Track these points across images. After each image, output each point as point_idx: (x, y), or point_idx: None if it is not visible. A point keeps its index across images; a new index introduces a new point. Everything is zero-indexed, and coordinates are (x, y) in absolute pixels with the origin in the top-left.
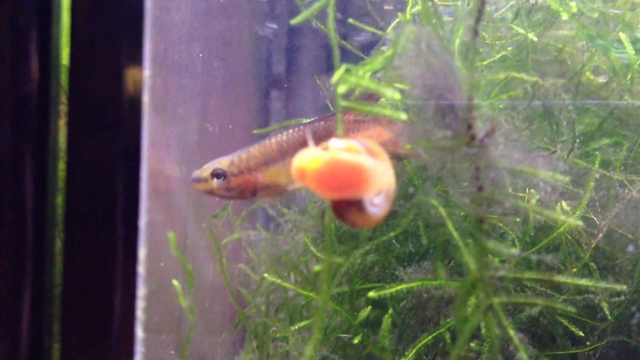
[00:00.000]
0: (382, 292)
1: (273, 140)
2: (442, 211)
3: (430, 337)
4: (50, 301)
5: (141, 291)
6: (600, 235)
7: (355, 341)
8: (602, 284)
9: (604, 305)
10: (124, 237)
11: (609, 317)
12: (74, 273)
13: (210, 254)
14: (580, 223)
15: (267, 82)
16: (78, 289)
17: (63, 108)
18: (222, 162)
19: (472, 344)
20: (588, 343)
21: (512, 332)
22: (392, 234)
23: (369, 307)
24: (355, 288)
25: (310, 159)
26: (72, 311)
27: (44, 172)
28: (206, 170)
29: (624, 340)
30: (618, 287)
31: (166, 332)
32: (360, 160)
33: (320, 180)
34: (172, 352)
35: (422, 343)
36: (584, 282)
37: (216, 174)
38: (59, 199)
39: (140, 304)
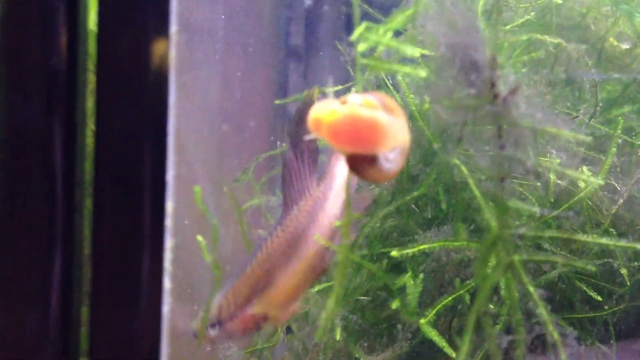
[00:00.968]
0: (404, 252)
1: (253, 263)
2: (463, 169)
3: (450, 298)
4: (80, 262)
5: (169, 243)
6: (621, 200)
7: (394, 306)
8: (623, 243)
9: (623, 270)
10: (151, 191)
11: (628, 282)
12: (104, 229)
13: (231, 218)
14: (602, 182)
15: (286, 49)
16: (108, 245)
17: (91, 75)
18: (212, 310)
19: (491, 306)
20: (606, 308)
21: (531, 289)
22: (414, 193)
23: (405, 274)
24: (374, 252)
25: (327, 112)
26: (102, 265)
27: (73, 134)
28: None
29: None
30: (639, 246)
31: (190, 287)
32: (377, 116)
33: (336, 133)
34: (195, 307)
35: (442, 303)
36: (604, 241)
37: (211, 325)
38: (88, 164)
39: (167, 256)
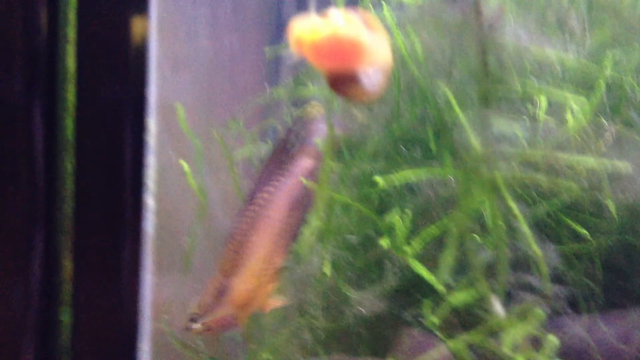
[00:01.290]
0: (389, 179)
1: (218, 267)
2: (448, 92)
3: (435, 230)
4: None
5: (149, 161)
6: (610, 136)
7: (382, 243)
8: (606, 164)
9: (610, 203)
10: (133, 171)
11: (615, 216)
12: (85, 205)
13: (220, 169)
14: (586, 103)
15: (278, 21)
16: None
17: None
18: (194, 306)
19: (476, 236)
20: (594, 242)
21: (513, 205)
22: (401, 125)
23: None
24: (362, 193)
25: (309, 30)
26: (84, 244)
27: (53, 103)
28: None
29: (630, 241)
30: (622, 165)
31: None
32: (359, 34)
33: (318, 51)
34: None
35: (428, 233)
36: (589, 161)
37: (192, 319)
38: (69, 124)
39: (150, 174)
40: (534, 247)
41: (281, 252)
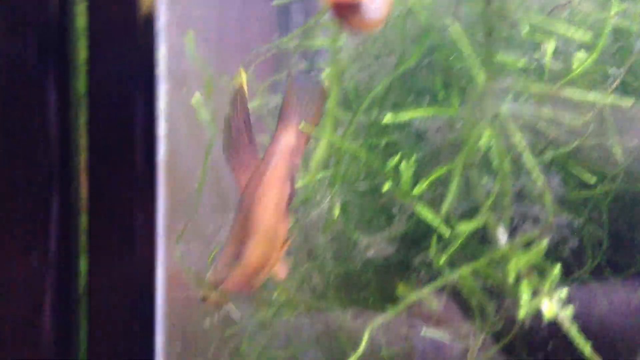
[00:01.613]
0: (398, 117)
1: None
2: (457, 28)
3: (443, 171)
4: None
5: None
6: (616, 82)
7: (385, 188)
8: (610, 98)
9: (617, 150)
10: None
11: (621, 161)
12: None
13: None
14: (588, 35)
15: None
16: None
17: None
18: (209, 274)
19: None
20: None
21: (517, 137)
22: (410, 62)
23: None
24: (372, 143)
25: None
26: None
27: (65, 60)
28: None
29: (636, 188)
30: (623, 102)
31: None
32: None
33: None
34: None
35: (435, 175)
36: (591, 96)
37: (209, 288)
38: (81, 80)
39: (160, 126)
40: (538, 175)
41: (284, 223)
